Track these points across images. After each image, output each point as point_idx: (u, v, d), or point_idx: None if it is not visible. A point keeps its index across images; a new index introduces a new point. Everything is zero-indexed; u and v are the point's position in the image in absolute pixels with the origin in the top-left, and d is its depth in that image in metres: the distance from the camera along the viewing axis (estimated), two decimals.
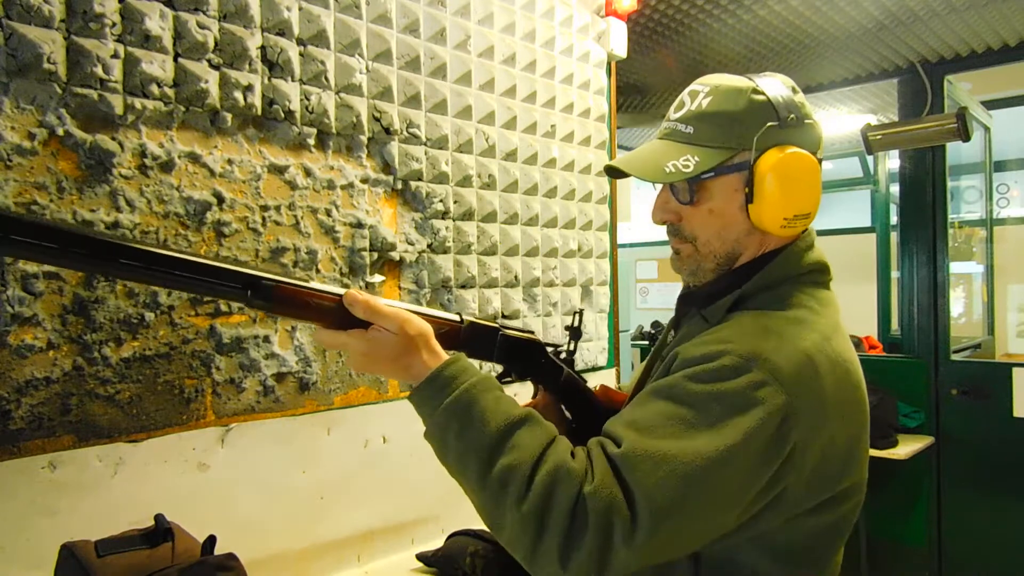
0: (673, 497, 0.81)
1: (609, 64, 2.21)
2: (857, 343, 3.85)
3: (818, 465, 0.89)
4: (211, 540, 1.13)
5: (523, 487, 0.83)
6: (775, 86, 1.01)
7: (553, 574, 0.82)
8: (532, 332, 1.15)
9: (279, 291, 0.88)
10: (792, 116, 0.99)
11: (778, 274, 1.00)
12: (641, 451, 0.84)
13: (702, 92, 1.02)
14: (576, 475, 0.83)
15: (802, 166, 0.98)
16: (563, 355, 1.19)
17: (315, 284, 0.93)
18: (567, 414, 1.21)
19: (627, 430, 0.87)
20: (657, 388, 0.92)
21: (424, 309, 0.99)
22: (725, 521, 0.86)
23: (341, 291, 0.93)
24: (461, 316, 1.05)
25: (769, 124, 0.97)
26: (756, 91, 1.00)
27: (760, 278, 1.00)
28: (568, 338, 1.22)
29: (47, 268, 1.11)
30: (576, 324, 1.22)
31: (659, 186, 1.07)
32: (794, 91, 1.02)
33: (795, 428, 0.85)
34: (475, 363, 0.99)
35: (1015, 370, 3.10)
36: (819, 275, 1.03)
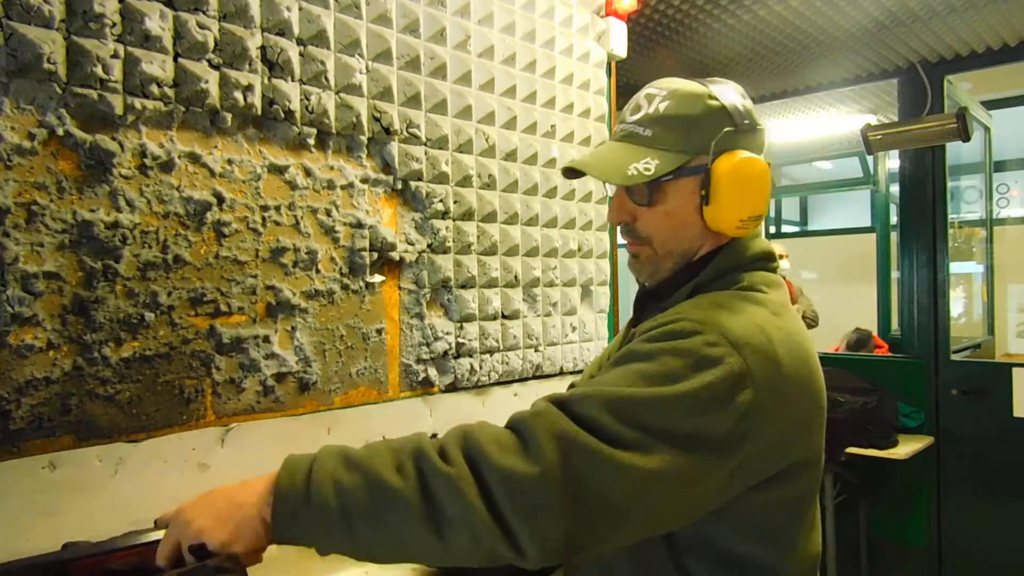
0: (625, 429, 0.80)
1: (609, 64, 2.21)
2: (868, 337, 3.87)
3: (777, 433, 0.90)
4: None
5: (440, 469, 0.78)
6: (729, 93, 1.04)
7: (532, 510, 0.76)
8: None
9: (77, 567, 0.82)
10: (746, 122, 1.03)
11: (729, 262, 1.05)
12: (592, 391, 0.83)
13: (659, 96, 1.04)
14: (490, 425, 0.83)
15: (756, 170, 1.02)
16: None
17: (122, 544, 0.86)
18: None
19: (580, 387, 0.87)
20: (615, 358, 0.94)
21: None
22: None
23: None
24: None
25: (726, 129, 1.01)
26: (712, 97, 1.03)
27: (713, 267, 1.04)
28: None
29: (47, 268, 1.11)
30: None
31: (612, 187, 1.11)
32: (744, 97, 1.06)
33: (750, 389, 0.86)
34: None
35: (1015, 370, 3.10)
36: (766, 262, 1.08)
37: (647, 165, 1.00)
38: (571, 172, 1.11)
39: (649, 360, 0.87)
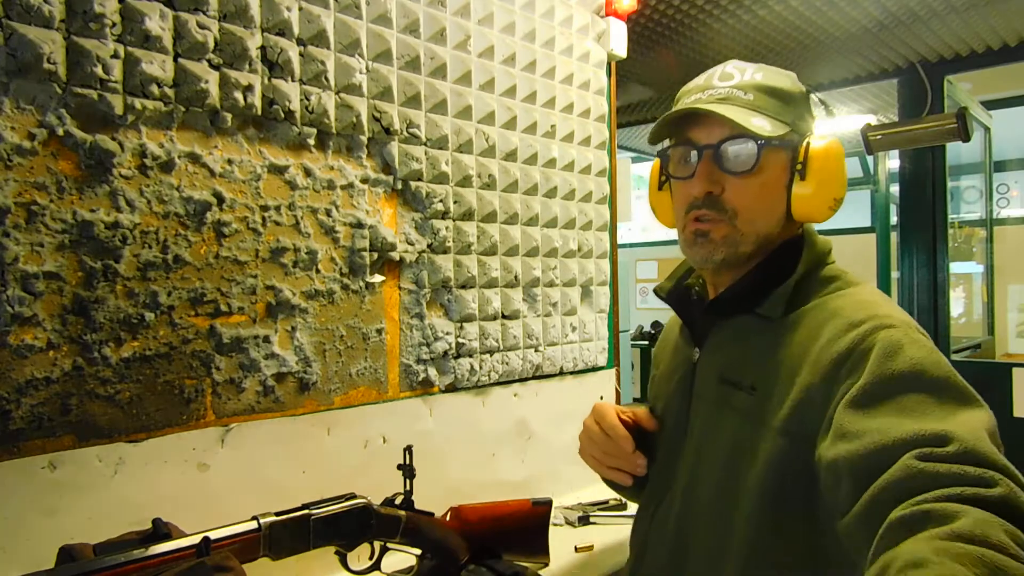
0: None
1: (609, 64, 2.21)
2: None
3: None
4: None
5: None
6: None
7: None
8: (352, 496, 1.13)
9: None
10: (817, 117, 1.03)
11: (816, 257, 1.00)
12: (972, 439, 0.69)
13: (749, 68, 1.00)
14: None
15: (841, 155, 0.99)
16: (399, 500, 1.21)
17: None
18: (415, 552, 1.23)
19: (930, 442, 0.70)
20: (867, 391, 0.79)
21: (218, 532, 0.95)
22: None
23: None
24: (258, 520, 1.01)
25: (810, 115, 1.01)
26: (797, 81, 1.02)
27: (805, 263, 0.98)
28: (403, 478, 1.22)
29: (47, 268, 1.11)
30: (408, 462, 1.22)
31: (694, 156, 0.99)
32: None
33: None
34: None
35: (1015, 370, 3.10)
36: (831, 253, 1.05)
37: (762, 124, 0.95)
38: (676, 126, 1.03)
39: (929, 383, 0.78)
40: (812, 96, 1.03)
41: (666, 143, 1.07)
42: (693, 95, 1.01)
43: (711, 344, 1.04)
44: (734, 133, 0.95)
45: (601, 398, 2.16)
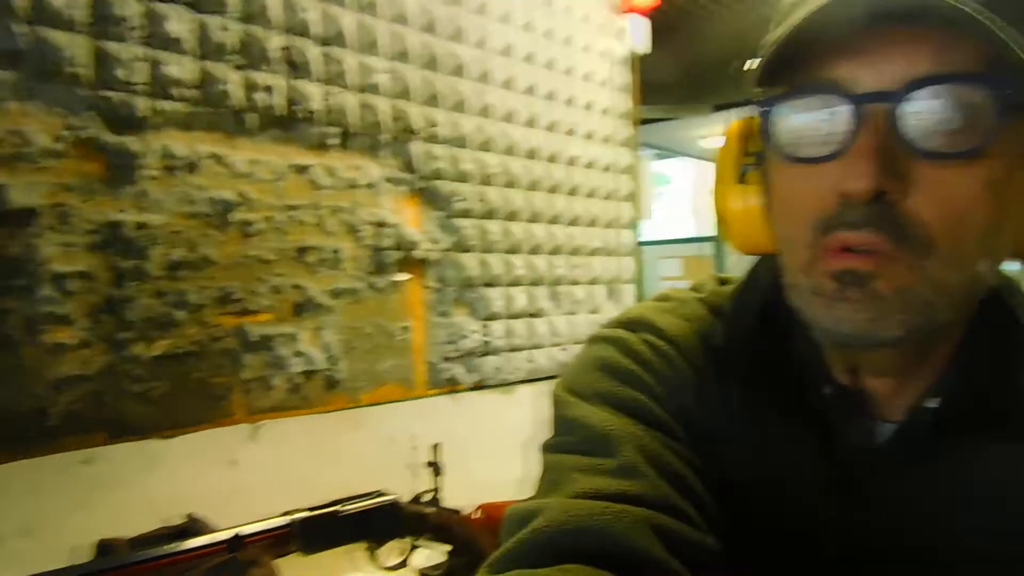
0: None
1: (630, 60, 2.21)
2: None
3: None
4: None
5: None
6: None
7: None
8: (380, 493, 1.13)
9: None
10: None
11: None
12: None
13: None
14: None
15: None
16: (427, 497, 1.22)
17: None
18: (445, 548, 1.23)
19: None
20: None
21: (250, 528, 0.98)
22: None
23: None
24: (289, 516, 1.03)
25: None
26: None
27: None
28: (432, 475, 1.22)
29: (78, 268, 1.13)
30: (436, 459, 1.22)
31: (846, 126, 0.46)
32: None
33: None
34: None
35: None
36: None
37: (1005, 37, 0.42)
38: (774, 81, 0.50)
39: None
40: None
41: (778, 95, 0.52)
42: None
43: (903, 501, 0.53)
44: (943, 69, 0.44)
45: None
